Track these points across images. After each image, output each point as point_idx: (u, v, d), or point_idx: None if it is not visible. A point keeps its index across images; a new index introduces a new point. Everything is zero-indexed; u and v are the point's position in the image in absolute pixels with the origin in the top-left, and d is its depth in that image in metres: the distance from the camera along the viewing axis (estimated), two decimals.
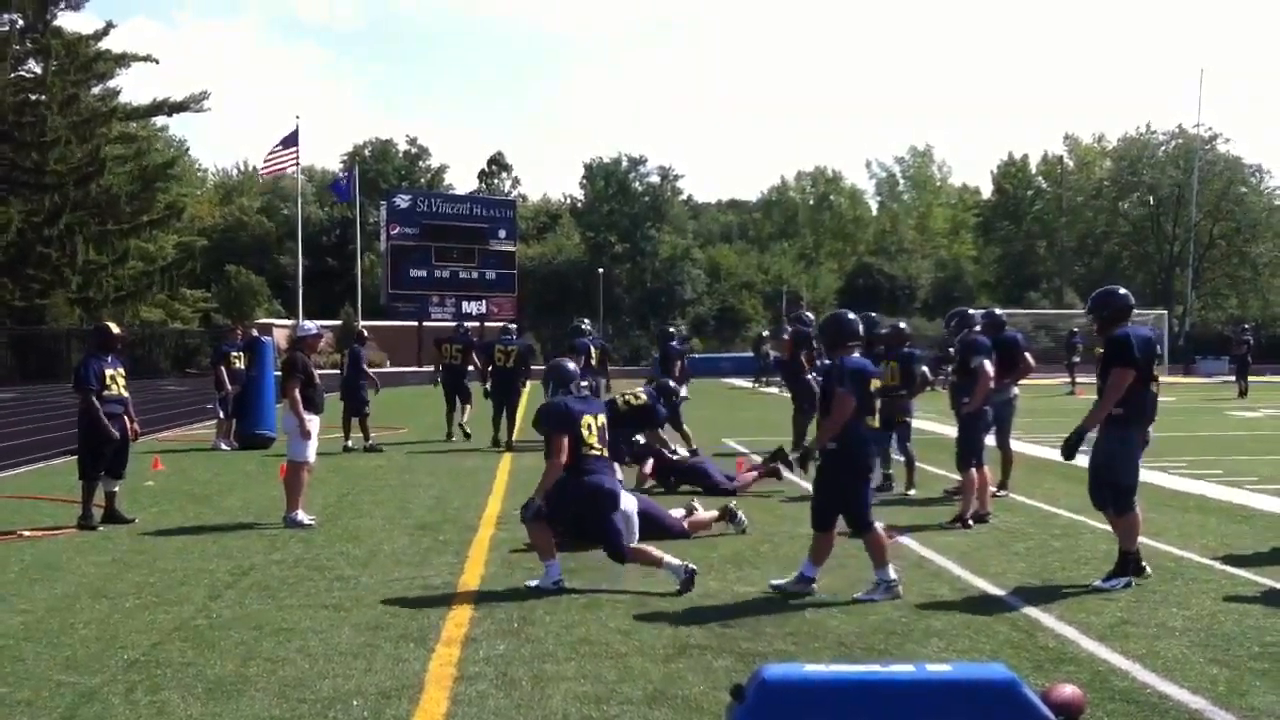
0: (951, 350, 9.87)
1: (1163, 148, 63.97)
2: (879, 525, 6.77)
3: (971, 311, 10.23)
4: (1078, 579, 7.02)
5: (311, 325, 10.67)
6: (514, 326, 17.94)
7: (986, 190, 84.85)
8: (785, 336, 14.78)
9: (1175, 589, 6.73)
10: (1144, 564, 7.02)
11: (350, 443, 15.35)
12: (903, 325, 12.20)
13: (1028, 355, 10.64)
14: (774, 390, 30.17)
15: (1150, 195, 64.11)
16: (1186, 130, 59.96)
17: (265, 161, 40.21)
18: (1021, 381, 10.83)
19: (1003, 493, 10.50)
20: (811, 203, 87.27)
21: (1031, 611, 6.24)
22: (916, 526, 8.98)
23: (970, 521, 8.95)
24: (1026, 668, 5.08)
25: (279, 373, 11.34)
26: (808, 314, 15.33)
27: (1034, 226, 77.00)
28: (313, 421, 9.59)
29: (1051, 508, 9.90)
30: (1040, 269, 74.92)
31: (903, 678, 3.52)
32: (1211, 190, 59.56)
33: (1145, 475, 7.14)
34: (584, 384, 7.04)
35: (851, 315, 7.03)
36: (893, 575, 6.61)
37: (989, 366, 9.35)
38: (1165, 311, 43.42)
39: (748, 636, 5.77)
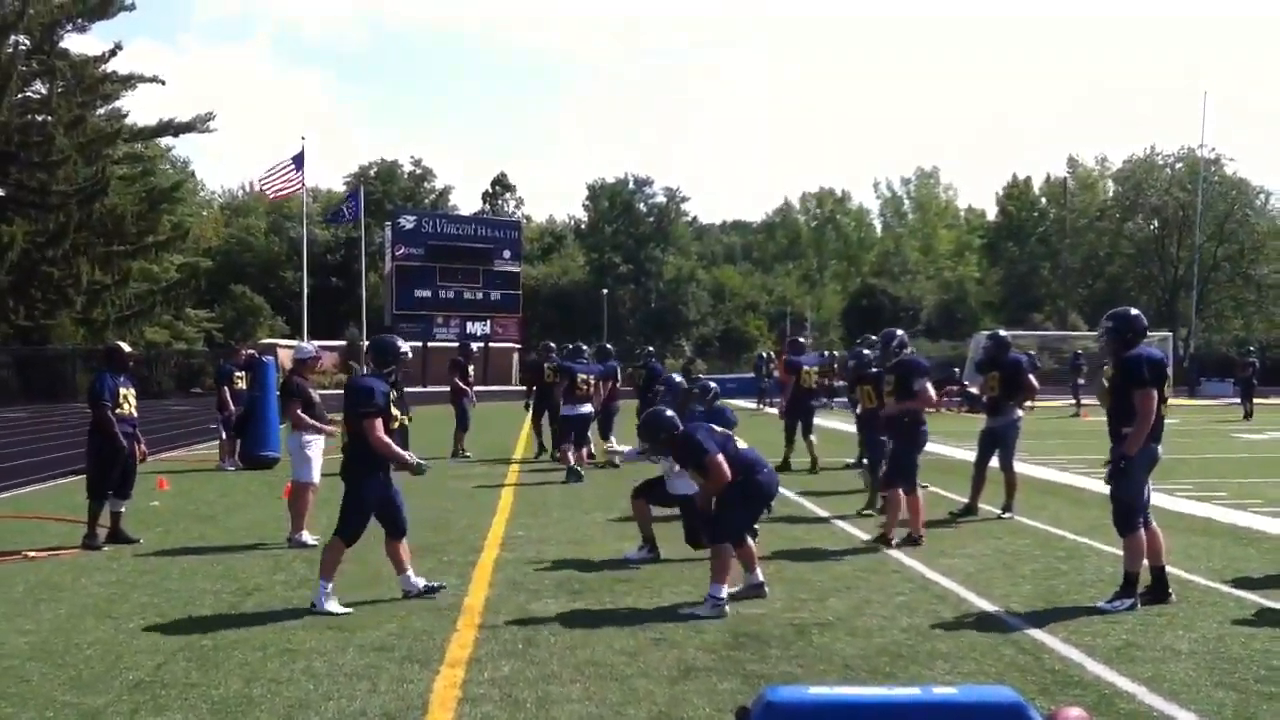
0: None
1: (1167, 169, 64.02)
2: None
3: (899, 332, 10.26)
4: (1083, 601, 7.00)
5: (309, 347, 10.70)
6: (554, 345, 18.03)
7: (992, 212, 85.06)
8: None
9: (1182, 612, 6.72)
10: (1170, 590, 7.00)
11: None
12: (865, 351, 12.09)
13: (1032, 378, 10.66)
14: (775, 411, 30.13)
15: (1154, 217, 64.10)
16: (1191, 151, 60.02)
17: (265, 181, 40.23)
18: (1027, 404, 10.86)
19: (1008, 515, 10.50)
20: (814, 224, 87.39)
21: (1037, 634, 6.22)
22: (919, 551, 8.96)
23: (894, 541, 8.94)
24: (1033, 690, 5.07)
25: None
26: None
27: (1038, 248, 77.04)
28: (315, 442, 9.62)
29: (1056, 530, 9.88)
30: (1044, 291, 74.89)
31: (908, 700, 3.50)
32: (1216, 212, 59.56)
33: (1150, 498, 7.10)
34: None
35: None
36: (723, 596, 6.73)
37: (931, 389, 9.45)
38: (1170, 334, 43.28)
39: (753, 659, 5.75)
